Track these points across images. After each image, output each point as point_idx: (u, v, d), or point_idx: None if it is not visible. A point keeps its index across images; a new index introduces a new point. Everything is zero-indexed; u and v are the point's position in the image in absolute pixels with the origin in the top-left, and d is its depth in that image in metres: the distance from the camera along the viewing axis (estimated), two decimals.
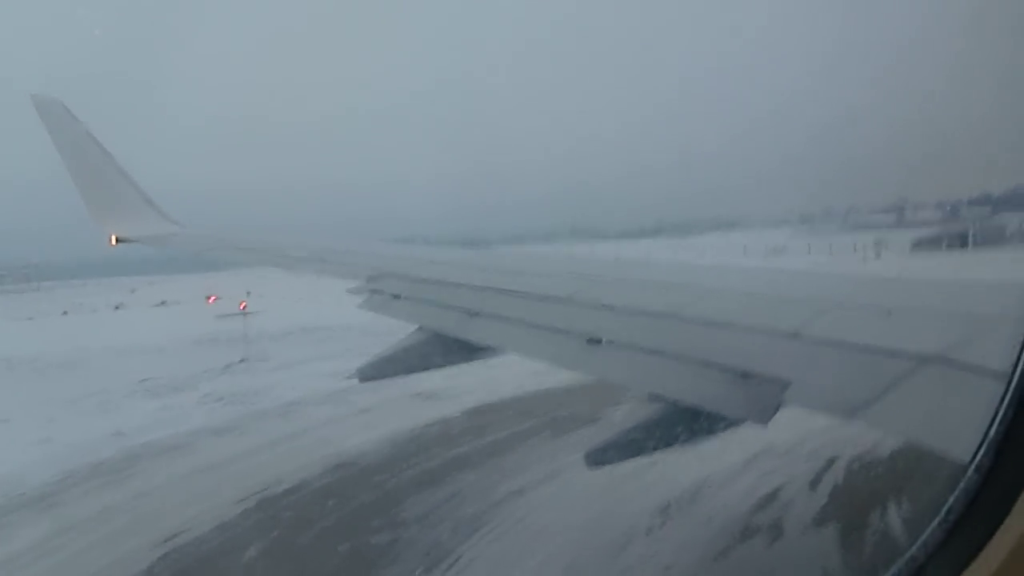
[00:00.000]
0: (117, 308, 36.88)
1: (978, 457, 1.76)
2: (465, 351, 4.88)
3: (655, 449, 3.59)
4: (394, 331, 5.53)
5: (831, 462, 9.16)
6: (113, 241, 9.39)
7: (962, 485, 1.76)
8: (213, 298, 30.30)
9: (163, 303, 37.36)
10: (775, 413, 2.91)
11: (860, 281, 5.01)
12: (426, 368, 5.09)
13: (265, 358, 20.02)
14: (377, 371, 5.17)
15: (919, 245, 47.46)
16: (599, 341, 3.96)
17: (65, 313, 35.15)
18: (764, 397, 2.94)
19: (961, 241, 46.65)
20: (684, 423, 3.40)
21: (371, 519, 8.54)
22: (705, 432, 3.41)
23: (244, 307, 22.46)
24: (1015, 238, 46.78)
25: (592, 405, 10.65)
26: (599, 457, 3.78)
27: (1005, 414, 1.76)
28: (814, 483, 8.72)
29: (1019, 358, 1.78)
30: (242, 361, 19.57)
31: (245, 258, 8.96)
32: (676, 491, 8.67)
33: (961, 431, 1.97)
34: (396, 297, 5.87)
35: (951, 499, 1.77)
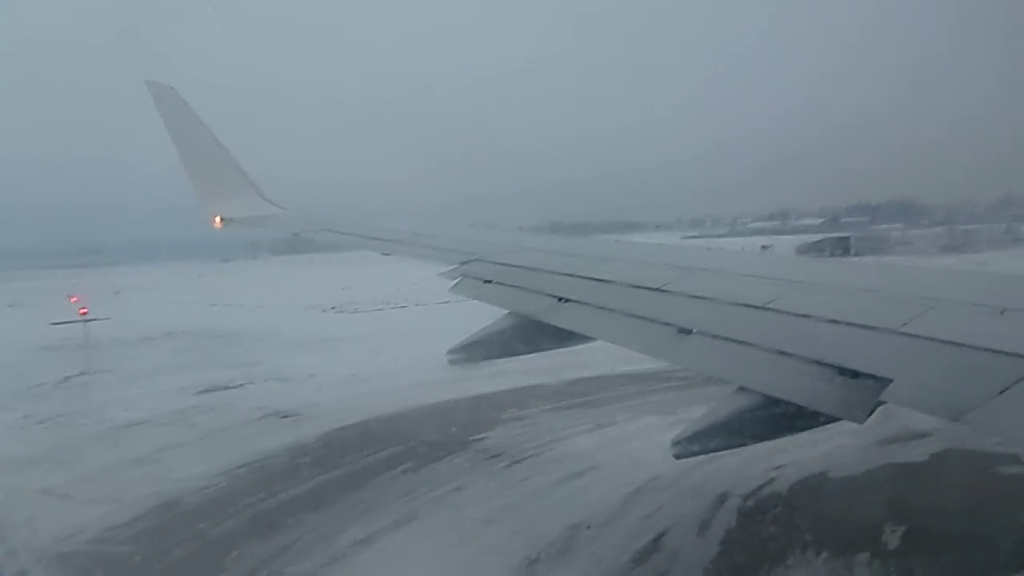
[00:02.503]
0: None
1: None
2: (554, 337, 4.92)
3: (743, 443, 3.60)
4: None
5: None
6: (218, 221, 9.72)
7: None
8: (75, 298, 27.40)
9: (12, 305, 33.81)
10: (873, 411, 2.87)
11: (960, 278, 4.67)
12: (514, 353, 5.19)
13: (110, 369, 17.86)
14: (468, 354, 5.31)
15: (803, 251, 48.74)
16: (689, 331, 3.93)
17: None
18: (863, 394, 2.89)
19: (843, 249, 48.16)
20: (775, 417, 3.30)
21: None
22: (797, 428, 3.36)
23: (84, 313, 19.97)
24: (897, 247, 48.78)
25: None
26: (685, 446, 3.61)
27: None
28: None
29: None
30: (82, 374, 17.35)
31: (341, 240, 9.05)
32: None
33: None
34: (487, 282, 5.90)
35: None
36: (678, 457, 3.57)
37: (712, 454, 4.08)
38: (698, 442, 3.55)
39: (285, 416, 12.82)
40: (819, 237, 56.18)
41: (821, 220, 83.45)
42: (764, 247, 47.93)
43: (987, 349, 2.80)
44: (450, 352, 5.37)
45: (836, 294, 4.00)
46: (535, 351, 5.16)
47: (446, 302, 30.68)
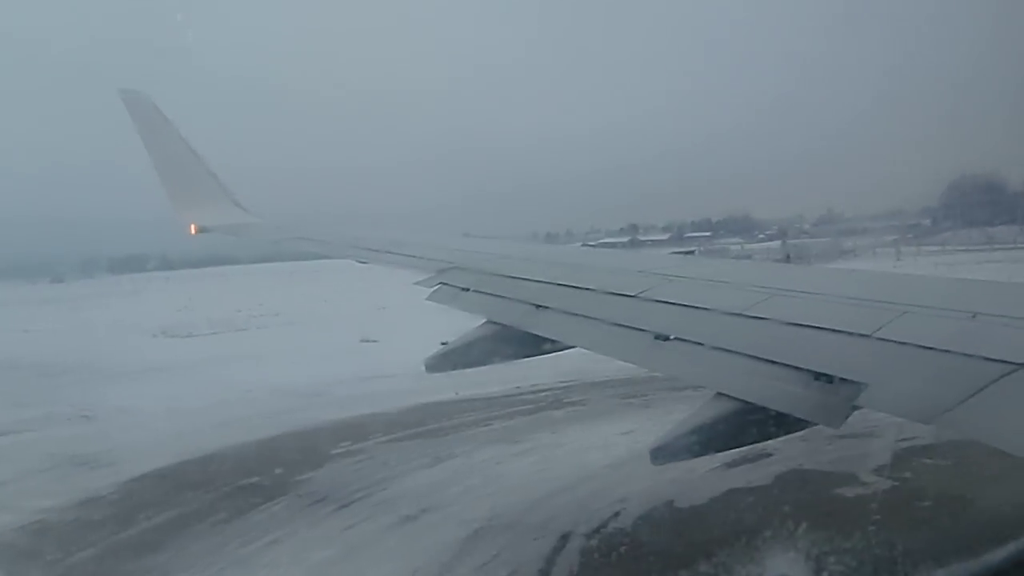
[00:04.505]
0: None
1: None
2: (532, 344, 4.94)
3: (721, 448, 3.58)
4: None
5: None
6: (193, 231, 9.59)
7: None
8: None
9: None
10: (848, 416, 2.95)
11: (931, 284, 4.78)
12: (492, 361, 5.13)
13: None
14: (445, 363, 5.19)
15: None
16: (667, 337, 3.96)
17: None
18: (839, 400, 2.97)
19: None
20: (753, 423, 3.32)
21: None
22: (774, 433, 3.38)
23: None
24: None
25: None
26: (664, 453, 3.55)
27: None
28: None
29: None
30: None
31: (319, 249, 8.97)
32: None
33: None
34: (464, 290, 5.85)
35: None
36: (656, 463, 3.56)
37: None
38: (676, 449, 3.50)
39: (82, 464, 11.17)
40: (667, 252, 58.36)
41: (667, 235, 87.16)
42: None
43: (959, 353, 2.88)
44: (427, 360, 5.26)
45: (811, 301, 4.04)
46: (513, 359, 5.17)
47: (291, 324, 29.31)
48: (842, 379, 3.04)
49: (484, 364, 5.19)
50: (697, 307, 4.26)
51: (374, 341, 21.90)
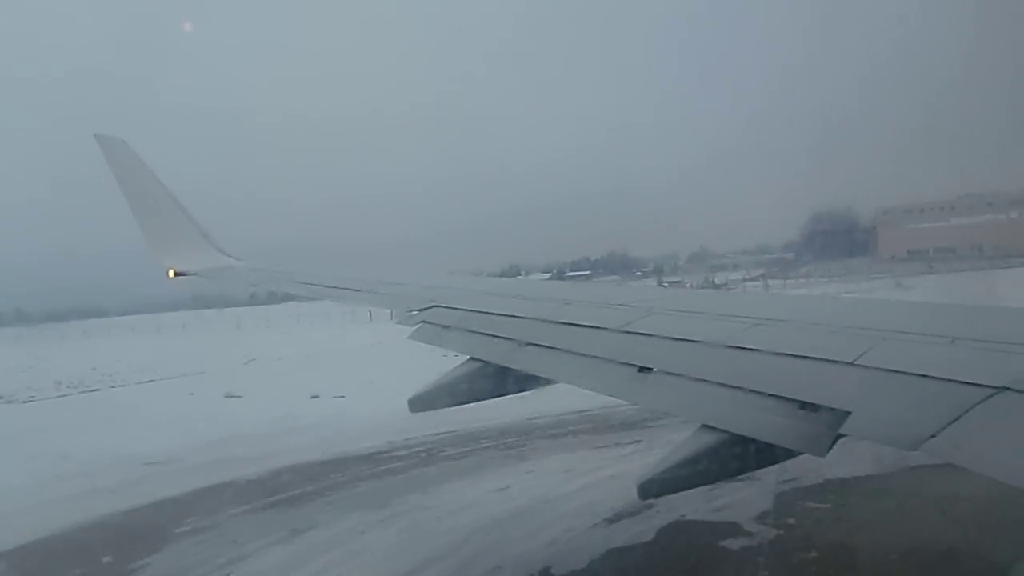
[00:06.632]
0: None
1: None
2: (515, 381, 4.91)
3: (708, 481, 3.52)
4: None
5: None
6: (171, 275, 9.63)
7: None
8: None
9: None
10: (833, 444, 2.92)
11: (908, 309, 4.76)
12: (476, 399, 5.06)
13: None
14: (429, 402, 5.11)
15: None
16: (649, 370, 3.95)
17: None
18: (823, 428, 2.95)
19: None
20: (738, 454, 3.31)
21: None
22: (759, 464, 3.40)
23: None
24: None
25: None
26: (651, 488, 3.56)
27: None
28: None
29: None
30: None
31: (300, 291, 9.10)
32: None
33: None
34: (446, 328, 5.81)
35: None
36: (643, 498, 3.54)
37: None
38: (663, 483, 3.51)
39: None
40: None
41: (548, 275, 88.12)
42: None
43: (940, 378, 2.89)
44: (411, 400, 5.14)
45: (791, 329, 4.05)
46: (498, 395, 5.11)
47: (149, 381, 27.19)
48: (826, 407, 3.02)
49: (469, 402, 5.12)
50: (680, 339, 4.24)
51: (239, 397, 20.47)
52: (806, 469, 8.90)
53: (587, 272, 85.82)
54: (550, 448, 12.35)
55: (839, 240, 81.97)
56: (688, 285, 50.53)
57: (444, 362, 5.76)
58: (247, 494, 11.08)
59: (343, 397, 18.86)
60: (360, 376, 21.42)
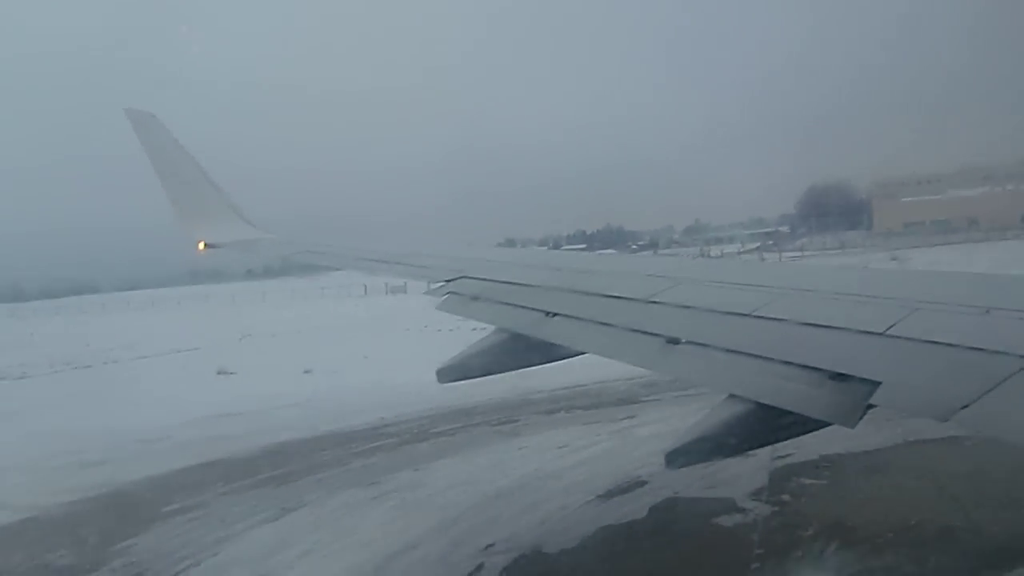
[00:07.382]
0: None
1: None
2: (543, 351, 4.87)
3: (735, 452, 3.51)
4: None
5: None
6: (201, 247, 9.66)
7: None
8: None
9: None
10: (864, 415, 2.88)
11: (941, 279, 4.47)
12: (504, 369, 5.07)
13: None
14: (456, 372, 5.07)
15: None
16: (678, 341, 3.89)
17: None
18: (853, 399, 2.91)
19: None
20: (768, 425, 3.28)
21: None
22: (789, 433, 3.39)
23: None
24: None
25: None
26: (679, 458, 3.46)
27: None
28: None
29: None
30: None
31: (329, 262, 9.22)
32: None
33: None
34: (475, 298, 5.77)
35: None
36: (671, 468, 3.50)
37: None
38: (691, 453, 3.47)
39: None
40: None
41: (545, 248, 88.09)
42: None
43: (973, 348, 2.83)
44: (439, 370, 5.10)
45: (820, 299, 3.98)
46: (525, 366, 5.11)
47: (142, 358, 27.06)
48: (856, 378, 2.97)
49: (497, 372, 5.11)
50: (708, 309, 4.20)
51: (232, 373, 20.37)
52: (800, 445, 8.79)
53: (583, 246, 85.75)
54: (544, 424, 12.27)
55: (835, 213, 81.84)
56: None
57: (440, 337, 5.63)
58: (236, 471, 10.99)
59: (336, 372, 18.80)
60: (356, 351, 21.31)
